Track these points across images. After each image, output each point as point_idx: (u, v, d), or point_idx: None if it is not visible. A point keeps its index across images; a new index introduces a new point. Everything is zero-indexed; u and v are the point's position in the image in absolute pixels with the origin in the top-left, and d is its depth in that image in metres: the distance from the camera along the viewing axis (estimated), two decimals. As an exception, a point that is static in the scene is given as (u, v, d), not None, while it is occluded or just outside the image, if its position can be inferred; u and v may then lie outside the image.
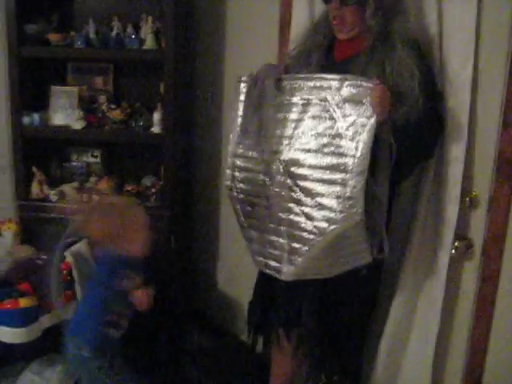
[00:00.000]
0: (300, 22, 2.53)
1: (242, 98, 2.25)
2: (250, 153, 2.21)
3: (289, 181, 2.06)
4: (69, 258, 2.66)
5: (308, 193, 2.02)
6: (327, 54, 2.22)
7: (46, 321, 2.62)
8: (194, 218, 3.37)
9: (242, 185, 2.25)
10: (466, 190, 2.16)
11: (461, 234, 2.20)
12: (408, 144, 1.99)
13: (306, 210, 2.03)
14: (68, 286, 2.65)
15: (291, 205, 2.07)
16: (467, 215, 2.20)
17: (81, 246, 2.75)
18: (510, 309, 2.10)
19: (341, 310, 2.25)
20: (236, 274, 3.20)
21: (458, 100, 2.10)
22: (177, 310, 3.10)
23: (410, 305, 2.33)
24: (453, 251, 2.19)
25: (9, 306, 2.48)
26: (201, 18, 3.06)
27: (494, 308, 2.14)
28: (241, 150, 2.25)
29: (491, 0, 2.02)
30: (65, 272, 2.63)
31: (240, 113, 2.25)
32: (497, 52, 2.03)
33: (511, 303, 2.10)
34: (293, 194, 2.05)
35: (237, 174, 2.26)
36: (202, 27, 3.09)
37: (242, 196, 2.25)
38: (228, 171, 2.29)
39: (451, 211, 2.17)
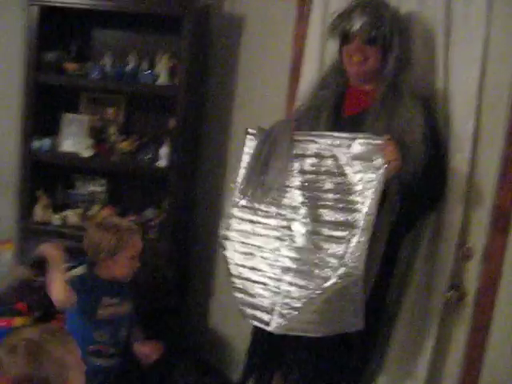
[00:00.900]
0: (310, 75, 2.57)
1: (247, 150, 2.27)
2: (254, 205, 2.23)
3: (300, 237, 2.07)
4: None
5: (316, 249, 2.03)
6: (336, 110, 2.25)
7: (38, 342, 2.62)
8: (191, 253, 3.40)
9: (238, 235, 2.25)
10: (461, 241, 2.21)
11: (454, 284, 2.24)
12: (412, 198, 2.04)
13: (309, 266, 2.03)
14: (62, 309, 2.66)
15: (293, 263, 2.07)
16: (461, 265, 2.24)
17: (80, 271, 2.77)
18: (501, 359, 2.12)
19: (335, 359, 2.26)
20: (229, 313, 3.21)
21: (459, 155, 2.15)
22: (168, 346, 3.10)
23: (403, 352, 2.35)
24: (445, 301, 2.23)
25: (3, 324, 2.51)
26: (215, 58, 3.15)
27: (484, 358, 2.16)
28: (241, 201, 2.26)
29: (494, 61, 2.10)
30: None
31: (243, 165, 2.27)
32: (498, 109, 2.10)
33: (502, 353, 2.12)
34: (299, 251, 2.07)
35: (235, 224, 2.27)
36: (215, 67, 3.18)
37: (236, 246, 2.25)
38: (225, 221, 2.29)
39: (446, 262, 2.21)
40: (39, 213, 3.13)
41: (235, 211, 2.27)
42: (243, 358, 2.49)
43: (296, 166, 2.13)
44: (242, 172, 2.27)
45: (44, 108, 3.15)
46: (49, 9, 2.97)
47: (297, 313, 2.04)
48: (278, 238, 2.14)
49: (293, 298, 2.05)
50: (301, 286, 2.04)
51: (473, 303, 2.18)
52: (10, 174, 3.28)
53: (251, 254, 2.20)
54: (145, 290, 2.76)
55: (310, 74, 2.59)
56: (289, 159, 2.14)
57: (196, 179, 3.32)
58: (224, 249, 2.29)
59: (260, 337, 2.39)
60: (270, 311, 2.11)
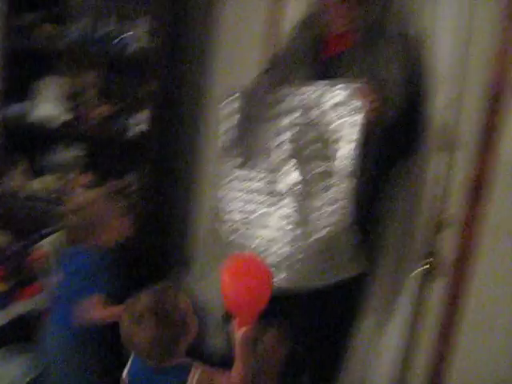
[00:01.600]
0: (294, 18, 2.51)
1: (225, 115, 2.26)
2: (242, 168, 2.23)
3: (287, 195, 2.08)
4: (46, 247, 2.66)
5: (308, 199, 2.04)
6: (316, 52, 2.24)
7: (16, 308, 2.62)
8: (172, 218, 3.37)
9: (231, 196, 2.25)
10: (437, 210, 2.20)
11: (430, 254, 2.24)
12: (388, 145, 2.04)
13: (301, 217, 2.05)
14: (43, 275, 2.65)
15: (289, 214, 2.08)
16: (438, 235, 2.24)
17: (58, 236, 2.76)
18: (476, 329, 2.14)
19: (326, 322, 2.28)
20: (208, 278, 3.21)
21: (443, 104, 2.15)
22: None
23: (378, 320, 2.37)
24: (420, 270, 2.23)
25: (-20, 289, 2.50)
26: (194, 19, 3.08)
27: (460, 327, 2.18)
28: (230, 167, 2.26)
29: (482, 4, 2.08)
30: (40, 260, 2.64)
31: (224, 129, 2.27)
32: (483, 64, 2.08)
33: (477, 323, 2.14)
34: (289, 206, 2.08)
35: (226, 192, 2.27)
36: (195, 28, 3.11)
37: (232, 207, 2.25)
38: (215, 190, 2.30)
39: (421, 230, 2.21)
40: (18, 178, 3.09)
41: (224, 175, 2.27)
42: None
43: (282, 121, 2.13)
44: (225, 136, 2.27)
45: (22, 72, 3.08)
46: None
47: (299, 264, 2.05)
48: (271, 193, 2.14)
49: (292, 249, 2.06)
50: (297, 237, 2.05)
51: (447, 273, 2.20)
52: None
53: (248, 211, 2.20)
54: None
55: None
56: (269, 119, 2.14)
57: (177, 143, 3.28)
58: (218, 219, 2.29)
59: None
60: (277, 265, 2.09)
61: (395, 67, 2.03)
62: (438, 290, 2.25)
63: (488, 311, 2.10)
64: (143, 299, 1.74)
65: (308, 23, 2.29)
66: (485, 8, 2.07)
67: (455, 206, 2.19)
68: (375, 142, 2.01)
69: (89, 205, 2.30)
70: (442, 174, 2.17)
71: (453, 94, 2.12)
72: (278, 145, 2.13)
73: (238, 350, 1.75)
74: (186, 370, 1.75)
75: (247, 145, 2.19)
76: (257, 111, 2.18)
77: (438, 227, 2.23)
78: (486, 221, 2.09)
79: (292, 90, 2.13)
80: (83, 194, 2.50)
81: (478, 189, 2.10)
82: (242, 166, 2.22)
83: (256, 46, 2.79)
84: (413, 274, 2.25)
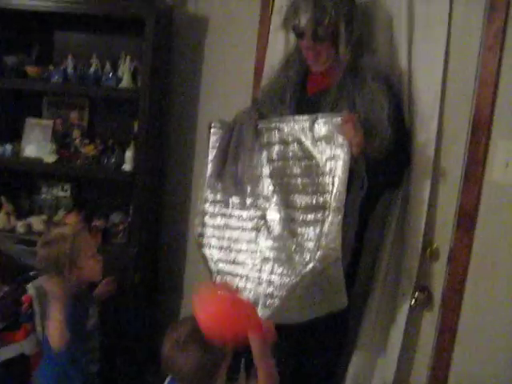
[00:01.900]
0: (275, 58, 2.54)
1: (212, 144, 2.28)
2: (225, 198, 2.23)
3: (276, 226, 2.08)
4: (31, 291, 2.63)
5: (292, 235, 2.03)
6: (300, 89, 2.26)
7: (3, 353, 2.57)
8: (160, 257, 3.35)
9: (213, 230, 2.26)
10: (426, 242, 2.20)
11: (421, 285, 2.23)
12: (378, 176, 2.04)
13: (288, 253, 2.03)
14: (28, 319, 2.61)
15: (271, 252, 2.08)
16: (428, 267, 2.24)
17: (42, 281, 2.73)
18: (467, 361, 2.13)
19: (311, 354, 2.28)
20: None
21: (425, 139, 2.15)
22: (138, 348, 3.06)
23: (370, 353, 2.35)
24: (412, 302, 2.22)
25: (-34, 335, 2.45)
26: (179, 59, 3.11)
27: (451, 359, 2.16)
28: (212, 196, 2.27)
29: (459, 40, 2.11)
30: (25, 304, 2.60)
31: (210, 158, 2.27)
32: (461, 107, 2.11)
33: (468, 355, 2.12)
34: (276, 239, 2.07)
35: (209, 220, 2.27)
36: (179, 69, 3.13)
37: (213, 242, 2.25)
38: (198, 218, 2.30)
39: (412, 262, 2.21)
40: (2, 220, 3.05)
41: (207, 207, 2.28)
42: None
43: (264, 154, 2.15)
44: (209, 167, 2.27)
45: (6, 113, 3.08)
46: (8, 11, 2.89)
47: (280, 301, 2.03)
48: (254, 229, 2.14)
49: (275, 286, 2.04)
50: (281, 274, 2.04)
51: (439, 305, 2.19)
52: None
53: (229, 247, 2.21)
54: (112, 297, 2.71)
55: (275, 56, 2.55)
56: (255, 150, 2.15)
57: (163, 182, 3.28)
58: (201, 246, 2.29)
59: None
60: (253, 303, 2.08)
61: (381, 102, 2.04)
62: (429, 321, 2.24)
63: (480, 340, 2.09)
64: (185, 326, 1.77)
65: (290, 61, 2.32)
66: (465, 36, 2.10)
67: (443, 237, 2.19)
68: (362, 175, 2.01)
69: (61, 239, 2.27)
70: (430, 204, 2.17)
71: (434, 128, 2.13)
72: (259, 179, 2.14)
73: (259, 366, 1.77)
74: None
75: (230, 177, 2.19)
76: (239, 143, 2.19)
77: (428, 258, 2.22)
78: (473, 251, 2.09)
79: (272, 124, 2.14)
80: (57, 229, 2.46)
81: (464, 220, 2.11)
82: (223, 202, 2.23)
83: (243, 81, 2.81)
84: (404, 304, 2.23)
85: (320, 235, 1.96)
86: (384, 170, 2.06)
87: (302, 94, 2.26)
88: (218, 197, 2.25)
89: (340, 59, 2.14)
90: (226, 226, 2.22)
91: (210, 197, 2.27)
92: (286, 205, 2.05)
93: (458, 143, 2.12)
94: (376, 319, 2.30)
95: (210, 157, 2.27)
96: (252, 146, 2.16)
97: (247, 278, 2.13)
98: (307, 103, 2.20)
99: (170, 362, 1.75)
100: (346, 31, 2.08)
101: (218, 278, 2.22)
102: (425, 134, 2.16)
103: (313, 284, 2.00)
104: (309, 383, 2.33)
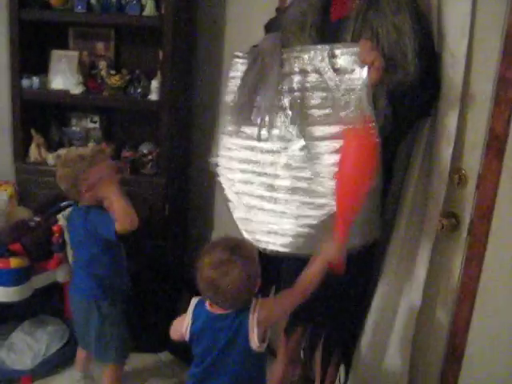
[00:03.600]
0: None
1: (233, 74, 2.22)
2: (247, 130, 2.19)
3: (297, 156, 2.04)
4: (61, 221, 2.68)
5: (313, 161, 2.00)
6: (323, 14, 2.17)
7: (37, 281, 2.66)
8: (189, 186, 3.37)
9: (232, 162, 2.23)
10: (455, 167, 2.14)
11: (448, 212, 2.18)
12: (402, 109, 1.97)
13: (311, 183, 2.01)
14: (59, 249, 2.68)
15: (295, 183, 2.05)
16: (455, 193, 2.18)
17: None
18: (494, 289, 2.09)
19: (340, 285, 2.24)
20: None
21: (453, 62, 2.05)
22: (169, 277, 3.12)
23: (396, 281, 2.33)
24: (439, 228, 2.18)
25: (0, 265, 2.52)
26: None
27: (478, 288, 2.13)
28: (233, 128, 2.23)
29: None
30: (56, 234, 2.66)
31: (232, 88, 2.21)
32: (492, 28, 2.00)
33: (496, 283, 2.08)
34: (297, 170, 2.04)
35: (227, 151, 2.24)
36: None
37: (232, 175, 2.23)
38: (214, 148, 2.27)
39: (439, 188, 2.15)
40: (33, 152, 3.11)
41: (227, 138, 2.25)
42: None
43: (284, 84, 2.09)
44: (230, 96, 2.22)
45: (31, 45, 3.08)
46: None
47: (306, 230, 2.03)
48: (274, 161, 2.11)
49: (299, 216, 2.03)
50: (305, 203, 2.02)
51: (467, 232, 2.14)
52: (2, 116, 3.23)
53: (249, 180, 2.17)
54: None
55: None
56: (278, 79, 2.09)
57: (190, 112, 3.26)
58: (218, 176, 2.28)
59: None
60: (275, 232, 2.10)
61: (405, 36, 1.95)
62: (456, 248, 2.20)
63: (507, 268, 2.04)
64: (220, 246, 1.82)
65: None
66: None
67: (472, 163, 2.12)
68: (386, 105, 1.94)
69: (79, 159, 2.32)
70: (458, 129, 2.10)
71: (463, 49, 2.03)
72: (279, 110, 2.09)
73: (315, 265, 1.85)
74: (248, 306, 1.83)
75: (251, 108, 2.15)
76: (263, 75, 2.14)
77: (456, 184, 2.16)
78: (503, 177, 2.02)
79: (294, 53, 2.07)
80: (76, 150, 2.56)
81: (493, 144, 2.03)
82: (243, 133, 2.19)
83: (266, 8, 2.71)
84: (431, 231, 2.20)
85: None
86: (410, 102, 1.99)
87: (325, 19, 2.17)
88: (239, 128, 2.22)
89: None
90: (246, 159, 2.19)
91: (231, 128, 2.24)
92: (306, 136, 2.01)
93: (489, 64, 2.02)
94: (403, 246, 2.27)
95: (232, 87, 2.21)
96: (276, 76, 2.09)
97: (269, 209, 2.11)
98: (329, 30, 2.12)
99: (213, 282, 1.77)
100: None
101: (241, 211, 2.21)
102: (453, 56, 2.05)
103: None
104: (333, 307, 2.33)
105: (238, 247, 1.81)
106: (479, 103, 2.06)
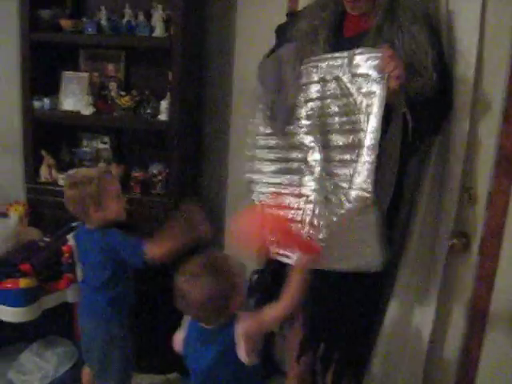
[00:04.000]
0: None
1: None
2: (270, 141, 2.22)
3: (317, 166, 2.05)
4: (71, 241, 2.68)
5: (331, 176, 2.00)
6: (335, 31, 2.18)
7: (46, 302, 2.65)
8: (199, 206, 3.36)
9: (261, 175, 2.25)
10: (465, 186, 2.13)
11: (459, 231, 2.17)
12: (420, 118, 1.95)
13: (327, 195, 2.00)
14: (69, 269, 2.68)
15: (312, 194, 2.05)
16: (466, 212, 2.17)
17: (84, 230, 2.78)
18: (505, 308, 2.07)
19: (351, 307, 2.23)
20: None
21: (463, 78, 2.06)
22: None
23: (407, 302, 2.31)
24: (450, 248, 2.17)
25: (9, 285, 2.52)
26: (212, 6, 3.05)
27: (489, 306, 2.11)
28: (264, 141, 2.25)
29: None
30: (66, 254, 2.66)
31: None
32: (500, 46, 2.00)
33: (506, 302, 2.06)
34: (316, 180, 2.04)
35: (257, 165, 2.27)
36: (213, 16, 3.08)
37: (263, 189, 2.25)
38: (248, 163, 2.29)
39: (449, 207, 2.15)
40: (44, 173, 3.12)
41: (256, 152, 2.27)
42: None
43: (302, 95, 2.10)
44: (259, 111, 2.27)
45: (43, 67, 3.10)
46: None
47: (320, 243, 2.01)
48: (298, 171, 2.12)
49: (315, 227, 2.02)
50: (321, 215, 2.01)
51: (477, 251, 2.12)
52: (14, 136, 3.25)
53: (275, 192, 2.18)
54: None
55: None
56: (295, 92, 2.11)
57: (200, 132, 3.27)
58: (252, 192, 2.28)
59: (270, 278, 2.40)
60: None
61: (423, 47, 1.95)
62: (467, 267, 2.18)
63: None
64: (197, 260, 1.85)
65: (325, 2, 2.21)
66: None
67: (482, 181, 2.11)
68: (402, 111, 1.93)
69: (87, 180, 2.33)
70: (468, 148, 2.09)
71: (472, 65, 2.03)
72: (297, 119, 2.11)
73: (294, 278, 1.85)
74: (232, 320, 1.85)
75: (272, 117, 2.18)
76: (282, 83, 2.16)
77: (466, 203, 2.15)
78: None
79: (311, 63, 2.09)
80: (83, 171, 2.57)
81: (504, 163, 2.02)
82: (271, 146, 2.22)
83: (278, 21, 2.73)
84: (443, 251, 2.18)
85: (353, 174, 1.91)
86: (425, 113, 1.97)
87: (338, 36, 2.17)
88: (265, 142, 2.24)
89: (378, 1, 2.04)
90: (273, 171, 2.21)
91: (258, 142, 2.26)
92: (324, 145, 2.02)
93: (499, 83, 2.02)
94: (414, 266, 2.26)
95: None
96: (292, 91, 2.12)
97: (291, 220, 2.10)
98: (343, 46, 2.11)
99: (184, 294, 1.81)
100: None
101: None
102: (463, 71, 2.06)
103: (349, 229, 1.97)
104: (345, 330, 2.31)
105: (213, 263, 1.84)
106: (489, 122, 2.06)
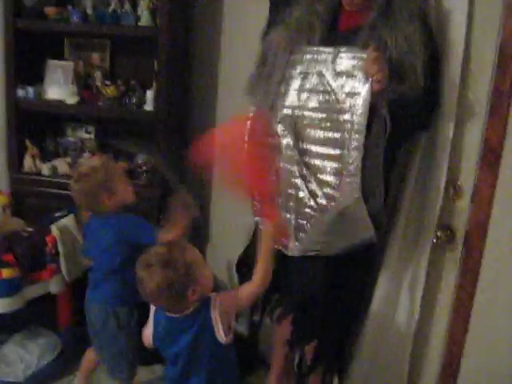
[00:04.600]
0: None
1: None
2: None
3: (296, 156, 2.07)
4: (55, 232, 2.66)
5: (312, 168, 2.04)
6: (330, 24, 2.16)
7: (29, 292, 2.64)
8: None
9: None
10: (450, 179, 2.13)
11: (444, 224, 2.17)
12: (403, 119, 1.97)
13: (310, 186, 2.04)
14: (52, 259, 2.66)
15: (298, 180, 2.08)
16: (451, 205, 2.17)
17: (68, 221, 2.76)
18: (490, 301, 2.07)
19: (339, 289, 2.24)
20: (225, 257, 3.19)
21: (449, 74, 2.05)
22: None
23: (393, 291, 2.32)
24: (434, 240, 2.17)
25: (-9, 275, 2.50)
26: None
27: (474, 300, 2.11)
28: None
29: None
30: (50, 245, 2.64)
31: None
32: (486, 41, 1.99)
33: (491, 295, 2.06)
34: (299, 169, 2.07)
35: None
36: (199, 6, 3.06)
37: None
38: None
39: (435, 200, 2.15)
40: (28, 163, 3.09)
41: None
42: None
43: (283, 84, 2.14)
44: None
45: (27, 55, 3.07)
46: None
47: (307, 235, 2.08)
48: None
49: (303, 219, 2.09)
50: (308, 207, 2.06)
51: (462, 244, 2.12)
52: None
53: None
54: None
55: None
56: (282, 81, 2.14)
57: (186, 123, 3.25)
58: None
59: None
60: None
61: (416, 49, 1.94)
62: (451, 260, 2.18)
63: (502, 281, 2.02)
64: (153, 250, 1.90)
65: None
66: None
67: (467, 174, 2.11)
68: (384, 115, 1.94)
69: (93, 170, 2.33)
70: (454, 141, 2.09)
71: (459, 61, 2.02)
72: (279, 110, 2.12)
73: (262, 248, 1.90)
74: (206, 303, 1.90)
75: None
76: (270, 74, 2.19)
77: (451, 196, 2.15)
78: (498, 189, 2.00)
79: (297, 56, 2.11)
80: (85, 163, 2.61)
81: (489, 156, 2.02)
82: None
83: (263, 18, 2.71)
84: (426, 242, 2.19)
85: (339, 173, 1.95)
86: (411, 114, 1.99)
87: (332, 29, 2.16)
88: None
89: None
90: None
91: None
92: (300, 138, 2.04)
93: (484, 77, 2.01)
94: (399, 257, 2.27)
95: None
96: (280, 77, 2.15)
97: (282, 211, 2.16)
98: (337, 40, 2.10)
99: (140, 282, 1.87)
100: None
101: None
102: (449, 68, 2.06)
103: (337, 220, 2.02)
104: (330, 320, 2.31)
105: (167, 255, 1.86)
106: (475, 115, 2.06)
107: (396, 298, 2.32)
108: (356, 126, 1.91)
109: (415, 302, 2.23)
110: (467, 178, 2.10)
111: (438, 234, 2.16)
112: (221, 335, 1.87)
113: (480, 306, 2.08)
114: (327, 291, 2.22)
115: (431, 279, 2.23)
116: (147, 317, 2.05)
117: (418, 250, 2.23)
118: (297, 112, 2.08)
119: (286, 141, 2.10)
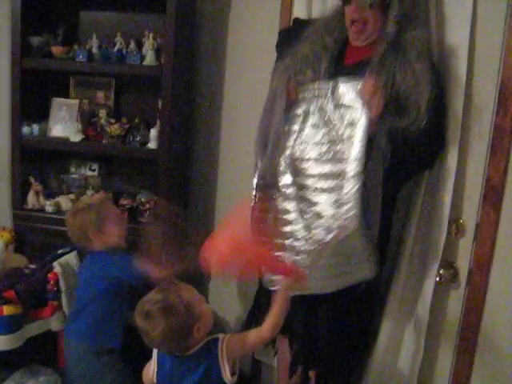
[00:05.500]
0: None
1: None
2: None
3: (294, 192, 2.07)
4: (57, 269, 2.65)
5: (308, 203, 2.03)
6: (337, 57, 2.17)
7: (30, 329, 2.62)
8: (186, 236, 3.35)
9: None
10: (453, 218, 2.13)
11: (447, 262, 2.17)
12: (403, 155, 1.98)
13: (307, 221, 2.03)
14: (54, 296, 2.64)
15: (294, 215, 2.07)
16: (454, 243, 2.16)
17: (70, 258, 2.75)
18: (494, 340, 2.06)
19: (337, 327, 2.22)
20: (225, 297, 3.17)
21: (451, 111, 2.07)
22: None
23: (397, 331, 2.30)
24: (438, 279, 2.16)
25: (-6, 312, 2.49)
26: (203, 37, 3.08)
27: (478, 338, 2.09)
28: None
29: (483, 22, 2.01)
30: (52, 282, 2.63)
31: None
32: (488, 78, 2.02)
33: (495, 334, 2.05)
34: (296, 204, 2.06)
35: None
36: (203, 45, 3.11)
37: None
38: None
39: (438, 239, 2.14)
40: (32, 200, 3.10)
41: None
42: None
43: (289, 122, 2.14)
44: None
45: (33, 93, 3.11)
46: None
47: (307, 271, 2.02)
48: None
49: (302, 253, 2.04)
50: (304, 239, 2.03)
51: (465, 283, 2.12)
52: (1, 162, 3.25)
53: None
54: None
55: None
56: (283, 124, 2.15)
57: (189, 162, 3.27)
58: None
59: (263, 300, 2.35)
60: None
61: (422, 86, 1.95)
62: (455, 299, 2.17)
63: (507, 319, 2.01)
64: (148, 298, 1.90)
65: (328, 28, 2.20)
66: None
67: (470, 212, 2.11)
68: (382, 147, 1.95)
69: (87, 208, 2.43)
70: (456, 179, 2.10)
71: (461, 99, 2.04)
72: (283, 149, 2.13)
73: (277, 301, 1.90)
74: (215, 344, 1.90)
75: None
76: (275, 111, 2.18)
77: (454, 234, 2.15)
78: (501, 227, 2.01)
79: (300, 95, 2.12)
80: (84, 200, 2.73)
81: (491, 194, 2.02)
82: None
83: (268, 56, 2.74)
84: (430, 281, 2.18)
85: (337, 204, 1.94)
86: (413, 151, 1.99)
87: (338, 63, 2.17)
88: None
89: (385, 32, 2.03)
90: None
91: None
92: (298, 172, 2.06)
93: (486, 115, 2.03)
94: (403, 295, 2.25)
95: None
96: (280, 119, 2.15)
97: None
98: (343, 73, 2.10)
99: (144, 332, 1.87)
100: (399, 1, 1.99)
101: None
102: (451, 104, 2.07)
103: (336, 253, 1.99)
104: (335, 355, 2.29)
105: (165, 302, 1.86)
106: (477, 153, 2.07)
107: (400, 339, 2.30)
108: (352, 156, 1.91)
109: (419, 340, 2.22)
110: (470, 216, 2.10)
111: (441, 272, 2.15)
112: (227, 376, 1.87)
113: (485, 343, 2.07)
114: (333, 330, 2.21)
115: (436, 316, 2.21)
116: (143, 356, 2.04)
117: (422, 287, 2.21)
118: (298, 149, 2.09)
119: (285, 179, 2.11)
